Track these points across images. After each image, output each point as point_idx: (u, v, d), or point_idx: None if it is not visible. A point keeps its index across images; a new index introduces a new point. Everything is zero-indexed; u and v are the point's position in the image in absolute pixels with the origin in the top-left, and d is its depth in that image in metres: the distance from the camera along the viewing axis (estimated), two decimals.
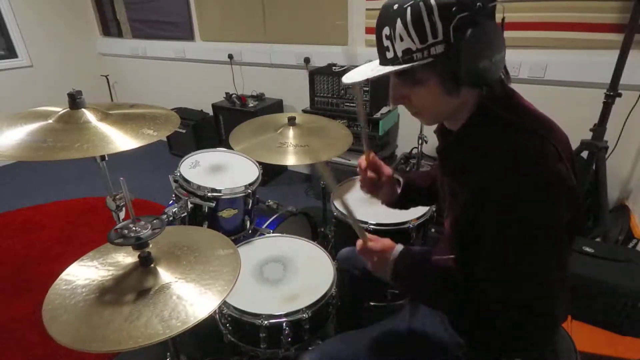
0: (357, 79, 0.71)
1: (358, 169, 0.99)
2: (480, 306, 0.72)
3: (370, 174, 0.97)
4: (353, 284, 1.20)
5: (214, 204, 1.42)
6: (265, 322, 1.06)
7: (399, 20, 0.62)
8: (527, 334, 0.70)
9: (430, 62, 0.62)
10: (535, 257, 0.64)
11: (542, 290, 0.67)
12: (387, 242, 0.84)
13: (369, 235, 0.85)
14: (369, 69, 0.72)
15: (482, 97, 0.69)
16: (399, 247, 0.83)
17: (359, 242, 0.85)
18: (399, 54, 0.64)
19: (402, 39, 0.63)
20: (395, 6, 0.62)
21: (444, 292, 0.79)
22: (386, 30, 0.64)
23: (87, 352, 0.72)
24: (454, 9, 0.58)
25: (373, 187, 1.01)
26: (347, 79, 0.74)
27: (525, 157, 0.62)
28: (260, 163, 1.57)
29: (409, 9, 0.60)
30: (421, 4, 0.59)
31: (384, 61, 0.68)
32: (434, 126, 0.87)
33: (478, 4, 0.58)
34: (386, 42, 0.65)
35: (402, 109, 2.48)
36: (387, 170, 1.00)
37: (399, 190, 1.03)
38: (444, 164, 0.85)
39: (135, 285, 0.86)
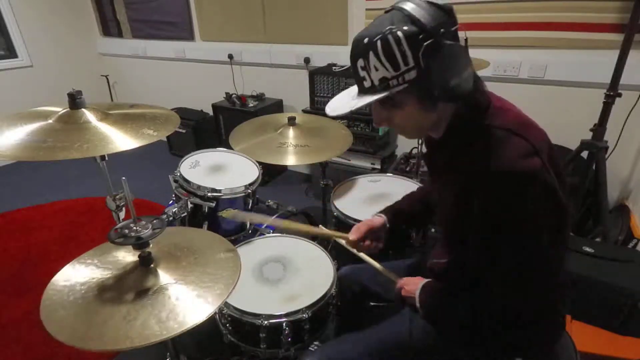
0: (341, 110, 0.75)
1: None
2: (481, 305, 0.73)
3: (367, 243, 1.08)
4: (354, 300, 1.21)
5: (214, 204, 1.42)
6: (265, 322, 1.06)
7: (371, 53, 0.67)
8: (522, 332, 0.73)
9: (406, 87, 0.67)
10: (518, 251, 0.68)
11: (529, 286, 0.71)
12: (411, 281, 0.95)
13: (402, 278, 0.99)
14: (350, 97, 0.77)
15: (458, 106, 0.74)
16: (421, 283, 0.92)
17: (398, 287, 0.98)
18: (376, 82, 0.69)
19: (376, 69, 0.68)
20: (366, 40, 0.67)
21: (456, 315, 0.85)
22: (360, 62, 0.70)
23: (82, 349, 0.72)
24: (420, 36, 0.63)
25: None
26: (331, 110, 0.78)
27: (499, 152, 0.67)
28: (260, 163, 1.57)
29: (379, 42, 0.65)
30: (389, 36, 0.64)
31: (362, 90, 0.73)
32: None
33: (441, 30, 0.63)
34: (362, 73, 0.70)
35: None
36: (371, 224, 1.09)
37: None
38: (431, 170, 0.93)
39: (134, 285, 0.86)
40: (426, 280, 0.93)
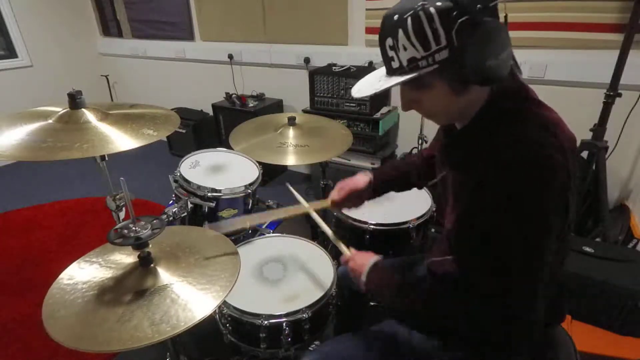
0: (365, 92, 0.72)
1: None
2: (474, 298, 0.71)
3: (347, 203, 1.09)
4: (353, 299, 1.21)
5: (214, 204, 1.42)
6: (265, 322, 1.06)
7: (400, 31, 0.62)
8: (516, 325, 0.69)
9: (436, 68, 0.63)
10: (526, 242, 0.64)
11: (530, 281, 0.67)
12: (361, 259, 0.91)
13: (352, 251, 0.95)
14: (376, 79, 0.73)
15: (492, 92, 0.69)
16: (371, 262, 0.88)
17: (343, 258, 0.96)
18: (404, 63, 0.65)
19: (405, 49, 0.63)
20: (396, 17, 0.62)
21: (407, 294, 0.81)
22: (389, 41, 0.65)
23: (74, 349, 0.72)
24: (454, 13, 0.58)
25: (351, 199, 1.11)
26: (356, 91, 0.75)
27: (527, 145, 0.63)
28: (260, 163, 1.57)
29: (409, 19, 0.61)
30: (421, 12, 0.60)
31: (390, 71, 0.69)
32: (435, 126, 0.88)
33: (478, 5, 0.59)
34: (390, 53, 0.66)
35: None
36: (354, 186, 1.08)
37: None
38: (449, 159, 0.84)
39: (133, 286, 0.86)
40: (377, 258, 0.89)
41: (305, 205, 1.14)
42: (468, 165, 0.75)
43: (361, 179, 1.10)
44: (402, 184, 1.17)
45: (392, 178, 1.14)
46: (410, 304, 0.81)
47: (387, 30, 0.65)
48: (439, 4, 0.59)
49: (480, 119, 0.71)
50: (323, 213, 1.86)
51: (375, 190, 1.11)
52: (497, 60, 0.60)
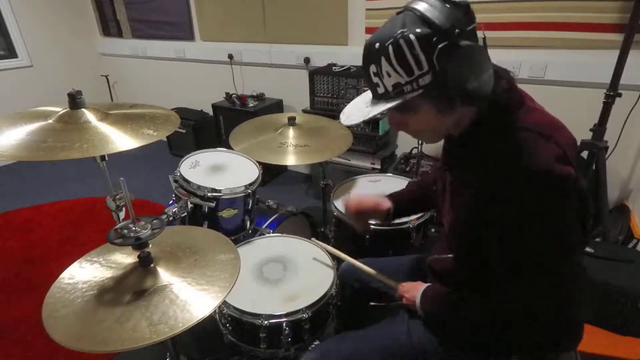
0: (355, 119, 0.73)
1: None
2: (494, 308, 0.73)
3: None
4: (353, 296, 1.21)
5: (214, 204, 1.42)
6: (265, 322, 1.06)
7: (383, 59, 0.64)
8: (542, 334, 0.70)
9: (421, 92, 0.64)
10: (539, 256, 0.65)
11: (554, 288, 0.67)
12: (412, 287, 0.94)
13: (401, 285, 0.98)
14: (363, 103, 0.74)
15: (479, 108, 0.71)
16: (422, 289, 0.90)
17: (396, 294, 0.99)
18: (390, 88, 0.66)
19: (389, 75, 0.65)
20: (377, 45, 0.64)
21: (461, 320, 0.83)
22: (373, 68, 0.67)
23: (73, 349, 0.71)
24: (434, 39, 0.60)
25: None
26: (345, 118, 0.76)
27: (524, 155, 0.63)
28: (260, 163, 1.57)
29: (390, 47, 0.62)
30: (401, 40, 0.61)
31: (376, 96, 0.71)
32: None
33: (456, 30, 0.60)
34: (375, 79, 0.68)
35: None
36: (380, 208, 1.09)
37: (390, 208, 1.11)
38: (448, 159, 0.87)
39: (132, 286, 0.85)
40: (426, 285, 0.92)
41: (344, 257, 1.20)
42: (464, 172, 0.77)
43: (383, 204, 1.10)
44: (423, 209, 1.22)
45: (411, 207, 1.16)
46: (464, 320, 0.82)
47: (370, 58, 0.67)
48: (418, 30, 0.60)
49: (475, 129, 0.73)
50: (323, 213, 1.87)
51: (392, 218, 1.12)
52: (478, 82, 0.62)
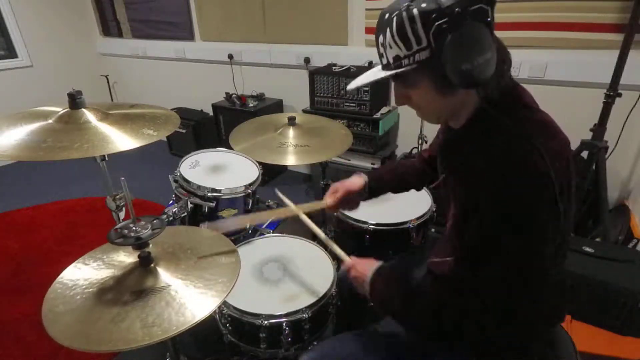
0: (356, 84, 0.77)
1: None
2: (475, 304, 0.72)
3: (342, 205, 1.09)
4: (353, 296, 1.21)
5: (214, 204, 1.42)
6: (265, 322, 1.06)
7: (388, 30, 0.65)
8: (518, 328, 0.71)
9: (417, 67, 0.65)
10: (514, 251, 0.66)
11: (521, 285, 0.68)
12: (363, 267, 0.90)
13: (351, 258, 0.95)
14: (372, 73, 0.76)
15: (479, 97, 0.70)
16: (373, 268, 0.88)
17: (343, 266, 0.95)
18: (390, 60, 0.68)
19: (391, 47, 0.66)
20: (386, 15, 0.65)
21: (414, 304, 0.80)
22: (380, 39, 0.68)
23: (66, 347, 0.71)
24: (433, 16, 0.60)
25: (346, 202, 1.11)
26: (351, 84, 0.79)
27: (512, 162, 0.64)
28: (260, 163, 1.57)
29: (395, 19, 0.63)
30: (404, 14, 0.62)
31: (382, 66, 0.72)
32: (434, 126, 0.88)
33: (456, 9, 0.59)
34: (381, 49, 0.69)
35: (402, 109, 2.48)
36: (349, 188, 1.08)
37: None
38: (445, 162, 0.87)
39: (131, 286, 0.85)
40: (378, 265, 0.89)
41: (293, 208, 1.14)
42: (460, 172, 0.77)
43: (356, 181, 1.10)
44: (399, 187, 1.17)
45: (388, 180, 1.14)
46: (417, 316, 0.80)
47: (379, 27, 0.68)
48: (423, 5, 0.61)
49: (470, 126, 0.74)
50: (322, 213, 1.86)
51: (371, 192, 1.11)
52: (472, 65, 0.61)
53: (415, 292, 0.83)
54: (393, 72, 0.68)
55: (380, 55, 0.70)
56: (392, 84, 0.75)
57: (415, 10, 0.61)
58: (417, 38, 0.62)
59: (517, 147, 0.65)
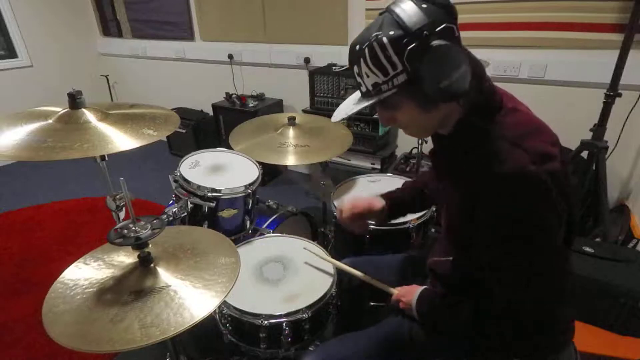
0: (339, 116, 0.78)
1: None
2: (484, 310, 0.73)
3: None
4: (353, 296, 1.21)
5: (214, 204, 1.42)
6: (265, 322, 1.06)
7: (361, 60, 0.67)
8: (529, 336, 0.72)
9: (397, 91, 0.67)
10: (522, 259, 0.68)
11: (540, 292, 0.70)
12: (407, 292, 0.94)
13: (397, 289, 0.98)
14: (352, 102, 0.78)
15: (462, 106, 0.72)
16: (417, 294, 0.91)
17: (393, 300, 0.98)
18: (370, 88, 0.70)
19: (368, 76, 0.69)
20: (357, 47, 0.68)
21: (459, 323, 0.83)
22: (356, 69, 0.71)
23: (65, 346, 0.71)
24: (404, 41, 0.62)
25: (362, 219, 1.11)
26: (335, 116, 0.81)
27: (496, 163, 0.66)
28: (260, 163, 1.57)
29: (366, 50, 0.66)
30: (374, 43, 0.64)
31: (362, 94, 0.75)
32: None
33: (424, 32, 0.62)
34: (358, 79, 0.72)
35: None
36: (373, 208, 1.09)
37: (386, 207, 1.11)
38: (438, 167, 0.91)
39: (131, 286, 0.85)
40: (422, 288, 0.92)
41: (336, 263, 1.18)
42: (453, 176, 0.80)
43: (376, 203, 1.10)
44: (419, 208, 1.20)
45: (406, 206, 1.15)
46: (457, 322, 0.83)
47: (352, 58, 0.70)
48: (391, 32, 0.63)
49: (457, 133, 0.75)
50: (323, 213, 1.86)
51: (389, 217, 1.13)
52: (449, 80, 0.63)
53: (452, 308, 0.85)
54: (376, 99, 0.70)
55: (359, 84, 0.72)
56: (377, 109, 0.77)
57: (384, 39, 0.63)
58: (392, 64, 0.65)
59: (502, 152, 0.66)
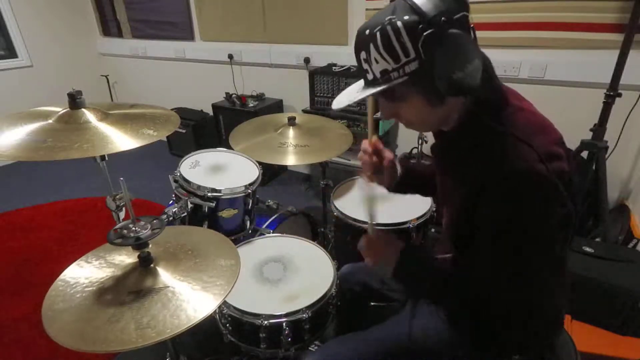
0: (343, 103, 0.75)
1: (361, 153, 1.00)
2: (479, 307, 0.73)
3: (374, 158, 0.99)
4: (354, 296, 1.21)
5: (214, 204, 1.42)
6: (265, 322, 1.06)
7: (371, 45, 0.64)
8: (526, 333, 0.72)
9: (407, 79, 0.65)
10: (526, 257, 0.67)
11: (538, 289, 0.70)
12: (392, 237, 0.89)
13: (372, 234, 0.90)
14: (355, 91, 0.75)
15: (469, 103, 0.71)
16: (402, 244, 0.86)
17: (366, 235, 0.90)
18: (378, 75, 0.67)
19: (377, 62, 0.65)
20: (367, 32, 0.65)
21: (444, 291, 0.81)
22: (363, 55, 0.67)
23: (63, 345, 0.71)
24: (419, 27, 0.60)
25: (374, 172, 1.01)
26: (336, 103, 0.78)
27: (505, 160, 0.64)
28: (260, 163, 1.57)
29: (378, 34, 0.63)
30: (388, 27, 0.61)
31: (366, 82, 0.71)
32: None
33: (442, 18, 0.59)
34: (365, 66, 0.68)
35: None
36: (389, 154, 1.01)
37: (399, 173, 1.03)
38: (440, 163, 0.88)
39: (130, 286, 0.85)
40: (403, 245, 0.86)
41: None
42: (455, 172, 0.78)
43: (390, 157, 1.02)
44: (430, 188, 1.08)
45: (420, 175, 1.07)
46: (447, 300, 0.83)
47: (360, 44, 0.67)
48: (406, 17, 0.60)
49: (462, 129, 0.74)
50: (323, 212, 1.87)
51: (399, 185, 1.04)
52: (463, 72, 0.61)
53: (448, 282, 0.81)
54: (382, 87, 0.67)
55: (365, 72, 0.69)
56: (379, 101, 0.75)
57: (399, 23, 0.61)
58: (405, 50, 0.62)
59: (510, 149, 0.65)
